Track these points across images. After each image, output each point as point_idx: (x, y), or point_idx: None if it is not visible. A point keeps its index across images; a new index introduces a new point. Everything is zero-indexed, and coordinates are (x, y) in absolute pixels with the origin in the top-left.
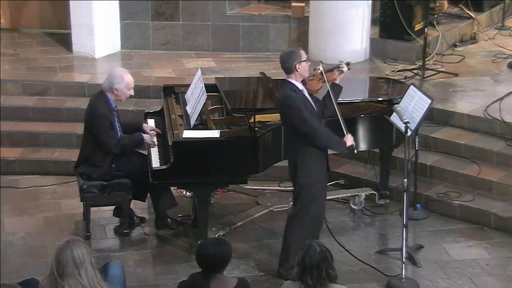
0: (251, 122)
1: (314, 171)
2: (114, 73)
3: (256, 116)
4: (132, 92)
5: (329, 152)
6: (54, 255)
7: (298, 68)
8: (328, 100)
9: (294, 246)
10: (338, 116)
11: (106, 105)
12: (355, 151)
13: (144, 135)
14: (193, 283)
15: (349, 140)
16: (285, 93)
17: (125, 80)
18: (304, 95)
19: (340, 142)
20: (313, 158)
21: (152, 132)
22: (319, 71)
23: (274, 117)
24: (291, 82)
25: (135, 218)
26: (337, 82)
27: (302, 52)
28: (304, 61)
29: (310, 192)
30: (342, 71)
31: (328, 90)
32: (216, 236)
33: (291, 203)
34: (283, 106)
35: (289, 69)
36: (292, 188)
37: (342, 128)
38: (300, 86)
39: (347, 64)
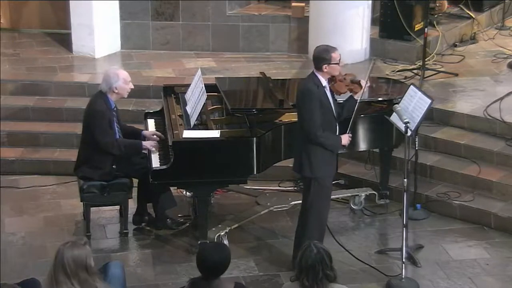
0: (251, 122)
1: (321, 165)
2: (108, 74)
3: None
4: (131, 85)
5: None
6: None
7: (326, 68)
8: (345, 108)
9: (313, 237)
10: (352, 115)
11: (105, 104)
12: (344, 150)
13: (144, 142)
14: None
15: (345, 139)
16: (307, 85)
17: (121, 76)
18: (325, 91)
19: (335, 143)
20: (321, 152)
21: (155, 137)
22: (350, 77)
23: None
24: (317, 76)
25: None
26: (355, 97)
27: (336, 55)
28: (335, 63)
29: (318, 186)
30: (361, 87)
31: (348, 99)
32: (216, 235)
33: (292, 203)
34: (301, 98)
35: (317, 66)
36: (293, 187)
37: (349, 125)
38: (324, 82)
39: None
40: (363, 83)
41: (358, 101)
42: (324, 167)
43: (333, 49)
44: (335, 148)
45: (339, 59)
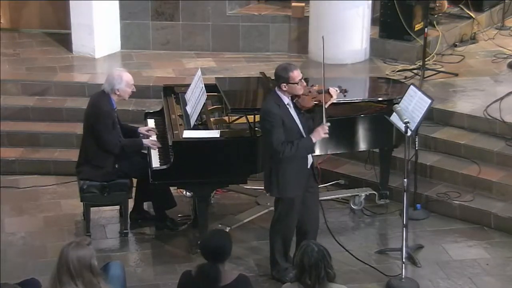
0: (251, 122)
1: (289, 185)
2: (112, 75)
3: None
4: (133, 89)
5: (329, 152)
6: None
7: (284, 87)
8: (316, 120)
9: (279, 254)
10: (323, 107)
11: (108, 104)
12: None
13: (144, 139)
14: (203, 271)
15: (317, 133)
16: (268, 106)
17: (124, 79)
18: (288, 109)
19: (306, 147)
20: (289, 171)
21: (151, 132)
22: (316, 88)
23: None
24: (278, 94)
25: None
26: (326, 106)
27: (295, 74)
28: (294, 83)
29: (287, 205)
30: (340, 94)
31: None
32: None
33: None
34: (262, 119)
35: (277, 84)
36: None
37: (323, 115)
38: (286, 100)
39: (344, 91)
40: (332, 91)
41: (324, 108)
42: (292, 187)
43: (293, 67)
44: (310, 150)
45: (300, 79)
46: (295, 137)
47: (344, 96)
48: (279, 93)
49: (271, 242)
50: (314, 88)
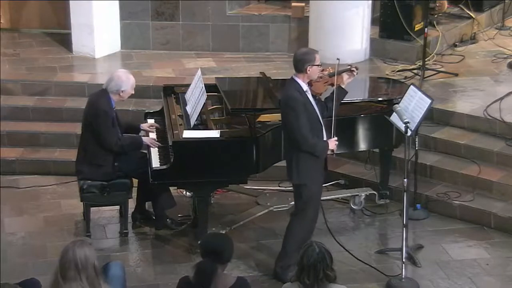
0: (251, 122)
1: (308, 172)
2: (119, 76)
3: (256, 115)
4: (133, 91)
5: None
6: (59, 257)
7: (309, 70)
8: (330, 102)
9: (291, 246)
10: (333, 117)
11: (107, 103)
12: (333, 155)
13: (144, 137)
14: (199, 266)
15: (331, 143)
16: (290, 93)
17: (131, 82)
18: (308, 97)
19: (323, 149)
20: (308, 159)
21: (152, 128)
22: (327, 72)
23: (274, 117)
24: (297, 82)
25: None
26: (343, 86)
27: (318, 56)
28: (317, 65)
29: (307, 192)
30: (353, 74)
31: (333, 92)
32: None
33: (292, 203)
34: (285, 106)
35: (300, 68)
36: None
37: (332, 129)
38: (305, 87)
39: (356, 68)
40: (345, 76)
41: (336, 91)
42: (311, 174)
43: (315, 51)
44: (323, 154)
45: (320, 62)
46: (315, 122)
47: (356, 73)
48: (298, 80)
49: (286, 238)
50: (325, 72)
